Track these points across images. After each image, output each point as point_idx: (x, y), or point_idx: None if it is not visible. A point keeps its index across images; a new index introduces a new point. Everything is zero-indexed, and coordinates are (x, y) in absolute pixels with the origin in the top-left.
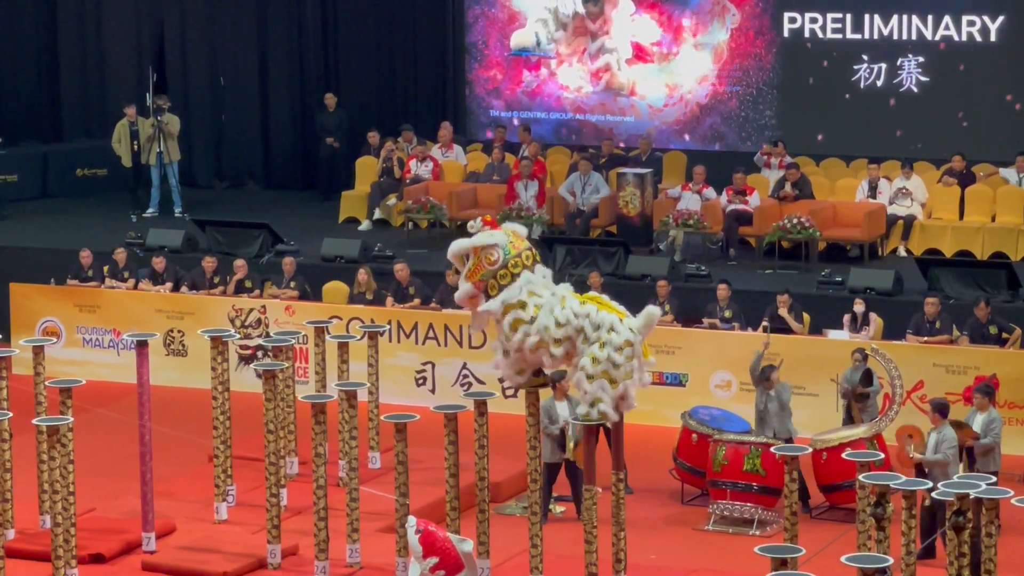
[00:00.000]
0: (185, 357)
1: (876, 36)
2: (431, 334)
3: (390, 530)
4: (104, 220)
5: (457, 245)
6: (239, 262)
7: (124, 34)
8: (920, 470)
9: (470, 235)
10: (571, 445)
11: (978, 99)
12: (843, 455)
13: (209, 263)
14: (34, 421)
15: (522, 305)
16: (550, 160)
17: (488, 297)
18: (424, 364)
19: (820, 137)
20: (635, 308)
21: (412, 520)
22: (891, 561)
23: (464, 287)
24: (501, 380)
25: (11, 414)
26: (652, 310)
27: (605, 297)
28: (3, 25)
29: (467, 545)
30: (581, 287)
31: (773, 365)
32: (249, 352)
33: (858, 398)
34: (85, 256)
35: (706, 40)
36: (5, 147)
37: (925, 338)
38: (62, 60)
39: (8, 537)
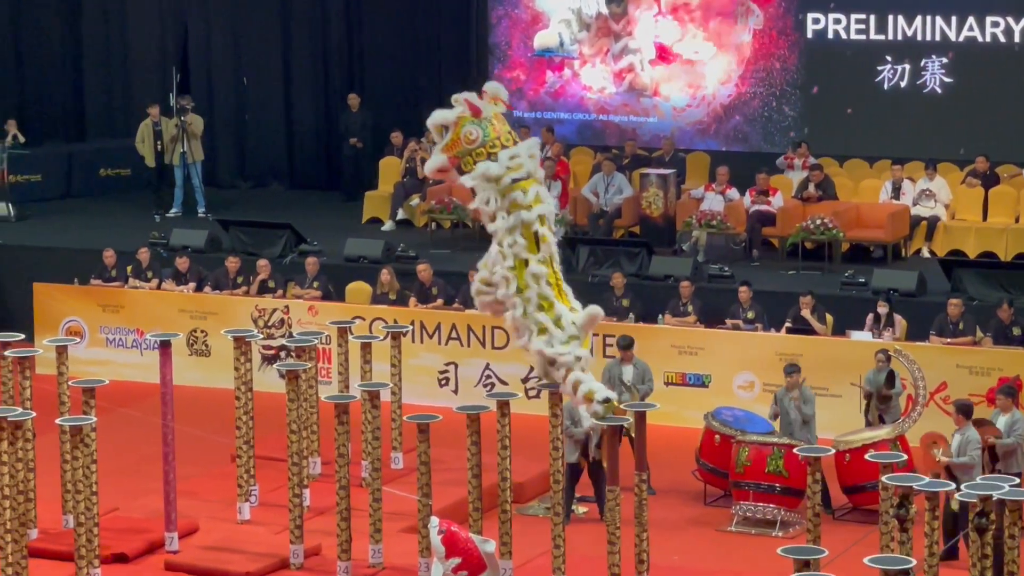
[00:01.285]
0: (208, 357)
1: (900, 37)
2: (454, 334)
3: (413, 530)
4: (127, 220)
5: (439, 115)
6: (262, 262)
7: (148, 34)
8: (950, 474)
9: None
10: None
11: (1002, 100)
12: (866, 456)
13: (232, 263)
14: (57, 421)
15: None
16: (573, 161)
17: (461, 173)
18: (447, 364)
19: (843, 138)
20: (658, 309)
21: (435, 520)
22: (914, 563)
23: (437, 158)
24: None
25: (34, 414)
26: (595, 310)
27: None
28: (28, 26)
29: (490, 546)
30: (604, 288)
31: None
32: (272, 352)
33: (881, 399)
34: (108, 256)
35: (729, 41)
36: (29, 147)
37: (948, 339)
38: (86, 60)
39: (31, 537)
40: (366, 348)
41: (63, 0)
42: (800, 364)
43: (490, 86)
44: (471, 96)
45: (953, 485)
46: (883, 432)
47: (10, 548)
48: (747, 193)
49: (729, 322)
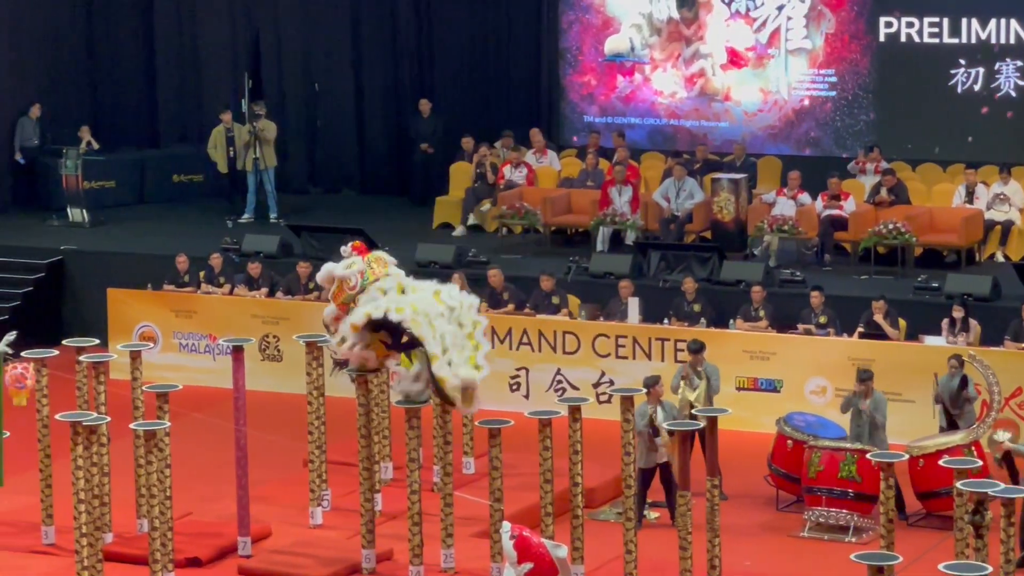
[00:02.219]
0: (280, 362)
1: (973, 40)
2: (525, 340)
3: (484, 535)
4: (200, 226)
5: (324, 270)
6: None
7: (220, 41)
8: (1010, 463)
9: (342, 259)
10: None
11: None
12: (940, 462)
13: (304, 268)
14: (131, 426)
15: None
16: (644, 165)
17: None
18: (518, 370)
19: (916, 142)
20: (729, 314)
21: (507, 525)
22: (990, 569)
23: (329, 308)
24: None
25: (109, 418)
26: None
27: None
28: (101, 34)
29: (561, 551)
30: (675, 293)
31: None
32: (344, 357)
33: (955, 405)
34: (181, 261)
35: (801, 45)
36: (103, 153)
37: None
38: (159, 68)
39: (106, 541)
40: None
41: (136, 8)
42: (873, 369)
43: (374, 254)
44: (347, 250)
45: None
46: (957, 438)
47: (85, 552)
48: (819, 198)
49: (801, 327)
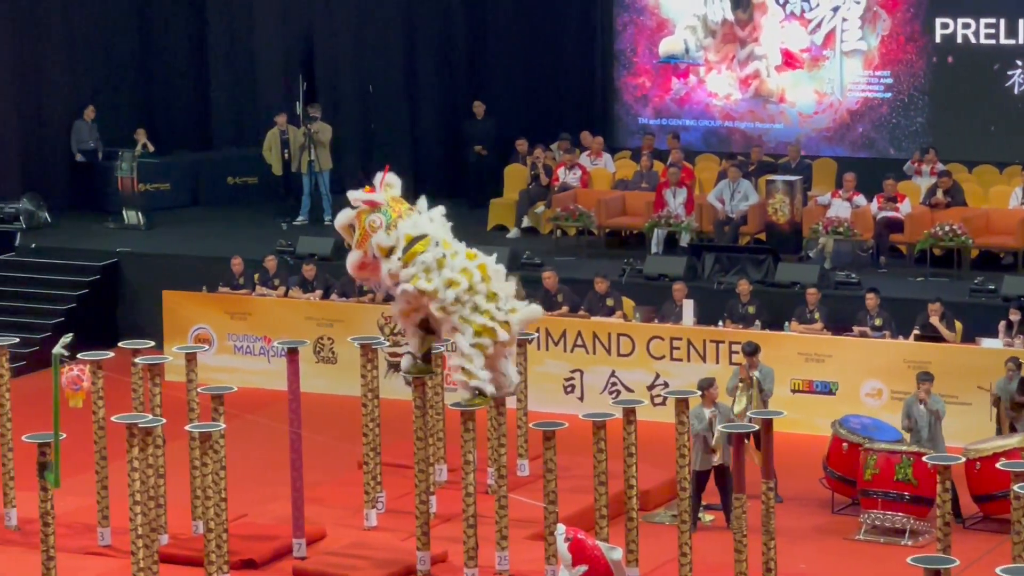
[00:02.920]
0: (335, 364)
1: None
2: (579, 342)
3: (539, 537)
4: (254, 228)
5: (342, 216)
6: None
7: (273, 44)
8: None
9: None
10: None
11: None
12: (997, 465)
13: None
14: (187, 427)
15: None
16: (699, 167)
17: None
18: (572, 372)
19: (972, 144)
20: (784, 316)
21: (561, 528)
22: None
23: (353, 254)
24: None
25: (164, 420)
26: (536, 308)
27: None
28: (155, 38)
29: (616, 553)
30: (730, 295)
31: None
32: (398, 359)
33: (1013, 407)
34: (236, 264)
35: (857, 46)
36: (158, 156)
37: None
38: (213, 70)
39: (162, 542)
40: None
41: (190, 11)
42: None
43: (387, 177)
44: (362, 194)
45: None
46: (1014, 440)
47: (141, 553)
48: (874, 199)
49: (856, 329)
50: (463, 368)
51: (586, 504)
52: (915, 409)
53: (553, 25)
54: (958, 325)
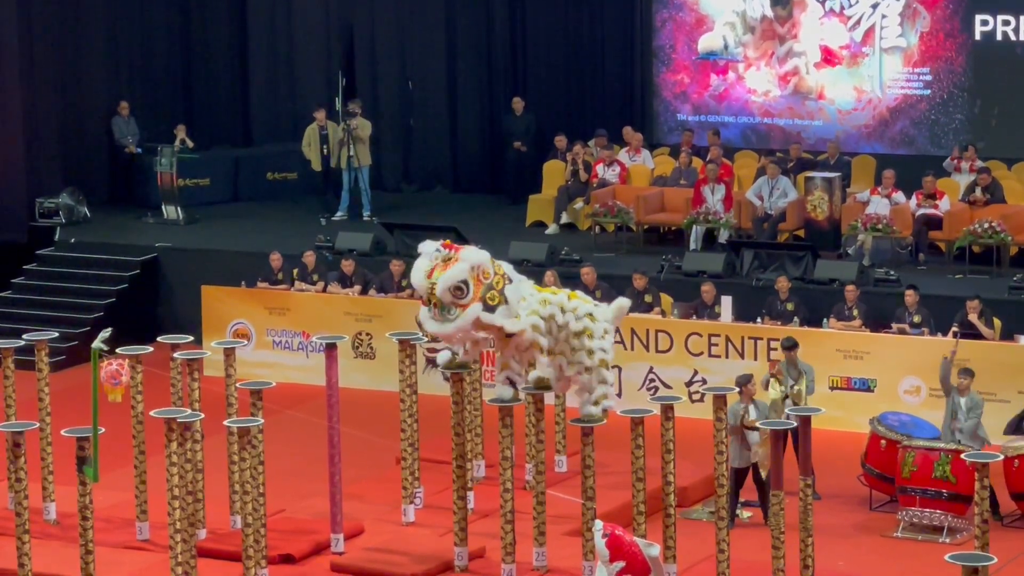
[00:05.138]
0: (373, 360)
1: None
2: (617, 338)
3: (576, 534)
4: (294, 223)
5: (450, 278)
6: None
7: (313, 40)
8: None
9: (447, 260)
10: (758, 449)
11: None
12: None
13: (397, 266)
14: (225, 422)
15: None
16: (737, 164)
17: (488, 309)
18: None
19: (1012, 141)
20: (823, 313)
21: (599, 524)
22: None
23: (473, 309)
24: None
25: (203, 415)
26: (623, 301)
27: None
28: (196, 34)
29: (654, 550)
30: (769, 291)
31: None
32: (435, 355)
33: None
34: (275, 259)
35: (896, 43)
36: (197, 152)
37: None
38: (252, 66)
39: (200, 537)
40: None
41: (230, 6)
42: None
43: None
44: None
45: None
46: None
47: (179, 548)
48: (913, 196)
49: (895, 326)
50: (606, 395)
51: (624, 500)
52: (954, 403)
53: (592, 21)
54: (997, 322)
